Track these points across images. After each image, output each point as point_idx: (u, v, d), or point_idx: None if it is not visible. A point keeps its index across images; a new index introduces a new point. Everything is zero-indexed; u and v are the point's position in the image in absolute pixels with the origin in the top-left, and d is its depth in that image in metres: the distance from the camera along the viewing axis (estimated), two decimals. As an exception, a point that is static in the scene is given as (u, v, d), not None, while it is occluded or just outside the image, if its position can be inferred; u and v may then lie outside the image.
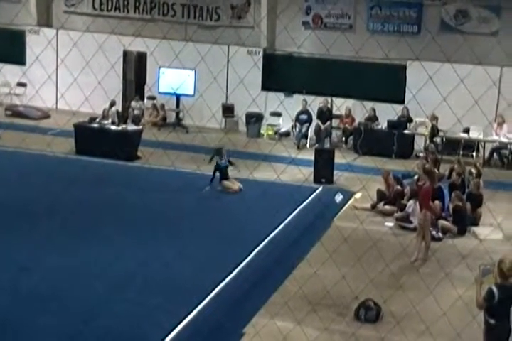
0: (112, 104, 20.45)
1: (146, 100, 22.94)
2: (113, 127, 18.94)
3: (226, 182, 15.93)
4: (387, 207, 15.14)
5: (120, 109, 22.27)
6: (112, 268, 11.22)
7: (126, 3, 23.80)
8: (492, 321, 8.06)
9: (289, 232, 13.61)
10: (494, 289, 7.98)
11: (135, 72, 23.91)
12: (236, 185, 15.90)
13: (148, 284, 10.75)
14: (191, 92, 21.76)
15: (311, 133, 20.97)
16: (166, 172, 16.77)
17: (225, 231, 13.30)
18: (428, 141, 19.62)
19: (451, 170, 15.76)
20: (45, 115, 22.44)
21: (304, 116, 21.04)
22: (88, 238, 12.48)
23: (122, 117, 21.16)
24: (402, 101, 20.44)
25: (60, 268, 11.14)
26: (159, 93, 22.27)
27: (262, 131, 21.93)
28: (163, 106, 22.46)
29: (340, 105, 20.44)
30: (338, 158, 17.12)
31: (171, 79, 21.79)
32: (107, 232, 12.92)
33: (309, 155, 17.93)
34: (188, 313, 9.83)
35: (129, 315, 9.74)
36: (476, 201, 14.65)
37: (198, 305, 10.13)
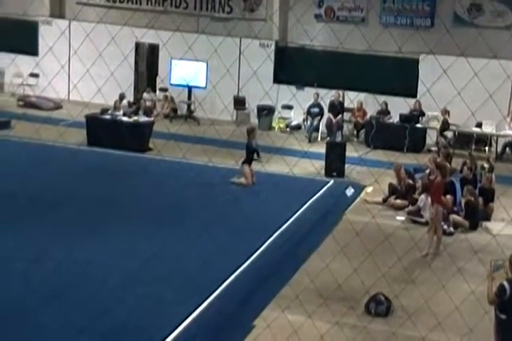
0: (122, 97, 20.45)
1: (158, 92, 22.97)
2: (125, 118, 18.96)
3: (246, 169, 15.80)
4: (398, 201, 15.11)
5: (132, 100, 22.30)
6: (123, 260, 11.23)
7: (138, -6, 23.82)
8: (503, 316, 8.02)
9: (300, 225, 13.60)
10: (506, 284, 7.94)
11: (147, 64, 23.97)
12: (250, 179, 15.78)
13: (159, 277, 10.75)
14: (203, 84, 21.76)
15: (322, 126, 20.95)
16: (178, 164, 16.77)
17: (236, 223, 13.30)
18: (439, 135, 19.59)
19: (463, 165, 15.70)
20: (58, 106, 22.48)
21: (315, 109, 21.02)
22: (99, 230, 12.48)
23: (133, 108, 21.18)
24: (414, 95, 20.40)
25: (72, 260, 11.13)
26: (171, 85, 22.27)
27: (273, 124, 21.93)
28: (172, 98, 22.48)
29: (354, 99, 20.41)
30: (350, 152, 17.09)
31: (183, 71, 21.79)
32: (118, 224, 12.94)
33: (321, 149, 17.91)
34: (198, 306, 9.82)
35: (140, 308, 9.74)
36: (488, 196, 14.61)
37: (208, 297, 10.12)
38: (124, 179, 15.69)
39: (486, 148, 19.65)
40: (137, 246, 11.81)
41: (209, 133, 18.37)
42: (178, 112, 22.55)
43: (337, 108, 20.58)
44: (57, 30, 21.75)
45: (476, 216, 14.14)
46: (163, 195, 14.62)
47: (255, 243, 12.32)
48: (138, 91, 23.52)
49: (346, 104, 20.35)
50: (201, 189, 15.09)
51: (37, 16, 23.84)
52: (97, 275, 10.64)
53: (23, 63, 22.74)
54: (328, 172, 16.94)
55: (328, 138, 19.90)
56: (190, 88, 22.14)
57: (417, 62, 20.49)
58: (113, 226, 12.77)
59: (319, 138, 20.64)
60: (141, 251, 11.57)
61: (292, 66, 22.24)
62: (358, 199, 15.55)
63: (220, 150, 16.40)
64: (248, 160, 15.86)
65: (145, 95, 22.77)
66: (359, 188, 16.15)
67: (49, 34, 22.44)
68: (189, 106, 22.40)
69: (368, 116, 20.75)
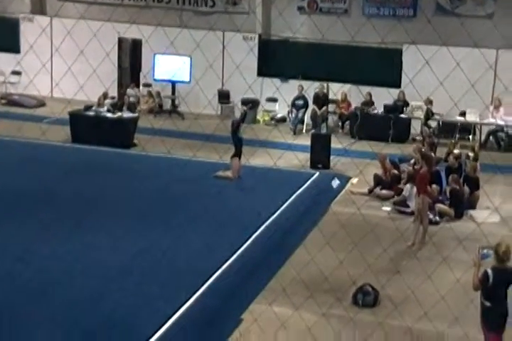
0: (105, 95, 20.32)
1: (141, 87, 22.89)
2: (109, 115, 18.88)
3: (236, 162, 15.69)
4: (384, 191, 15.13)
5: (116, 96, 22.20)
6: (109, 256, 11.22)
7: (120, -10, 23.70)
8: (488, 303, 8.08)
9: (286, 218, 13.61)
10: (489, 272, 8.00)
11: (130, 60, 23.86)
12: (236, 172, 15.74)
13: (145, 272, 10.73)
14: (187, 79, 21.70)
15: (307, 118, 20.94)
16: (163, 160, 16.74)
17: (222, 217, 13.26)
18: (423, 125, 19.62)
19: (448, 154, 15.73)
20: (40, 103, 22.38)
21: (300, 102, 21.01)
22: (85, 227, 12.41)
23: (117, 105, 21.09)
24: (398, 86, 20.42)
25: (57, 257, 11.12)
26: (155, 80, 22.20)
27: (258, 117, 21.90)
28: (159, 93, 22.44)
29: (338, 90, 20.40)
30: (335, 143, 17.11)
31: (167, 66, 21.73)
32: (103, 221, 12.90)
33: (306, 141, 17.91)
34: (185, 300, 9.82)
35: (126, 303, 9.73)
36: (473, 184, 14.64)
37: (195, 292, 10.11)
38: (109, 175, 15.64)
39: (470, 137, 19.70)
40: (123, 242, 11.78)
41: (193, 127, 18.32)
42: (163, 107, 22.49)
43: (321, 100, 20.59)
44: (38, 27, 21.59)
45: (461, 204, 14.18)
46: (148, 191, 14.59)
47: (241, 236, 12.32)
48: (121, 86, 23.41)
49: (331, 96, 20.34)
50: (186, 184, 15.06)
51: (18, 13, 23.69)
52: (82, 272, 10.61)
53: (5, 61, 22.60)
54: (314, 164, 16.95)
55: (313, 130, 19.88)
56: (173, 83, 22.08)
57: (400, 52, 20.50)
58: (98, 223, 12.72)
59: (304, 131, 20.63)
60: (127, 246, 11.55)
61: (276, 59, 22.21)
62: (343, 190, 15.57)
63: (205, 145, 16.30)
64: (238, 154, 15.79)
65: (129, 91, 22.69)
66: (344, 180, 16.16)
67: (30, 31, 22.30)
68: (173, 101, 22.34)
69: (353, 107, 20.76)
